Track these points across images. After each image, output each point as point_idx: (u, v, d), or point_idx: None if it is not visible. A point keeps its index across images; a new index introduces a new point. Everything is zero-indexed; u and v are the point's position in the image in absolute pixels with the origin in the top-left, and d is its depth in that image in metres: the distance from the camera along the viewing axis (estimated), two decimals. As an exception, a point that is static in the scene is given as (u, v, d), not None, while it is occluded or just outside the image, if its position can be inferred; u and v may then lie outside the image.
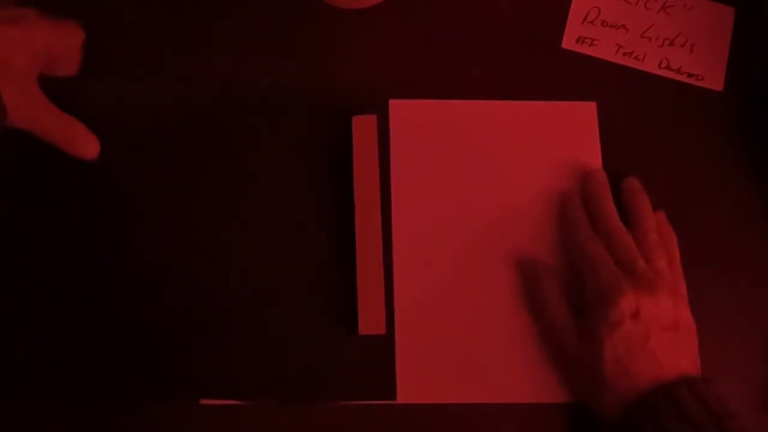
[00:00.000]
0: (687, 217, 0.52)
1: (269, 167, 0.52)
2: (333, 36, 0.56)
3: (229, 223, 0.51)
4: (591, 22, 0.57)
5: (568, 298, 0.49)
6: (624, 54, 0.56)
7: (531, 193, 0.53)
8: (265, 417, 0.48)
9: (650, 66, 0.56)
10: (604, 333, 0.45)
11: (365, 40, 0.56)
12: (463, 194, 0.53)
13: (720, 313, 0.51)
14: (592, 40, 0.57)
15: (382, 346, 0.49)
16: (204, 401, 0.48)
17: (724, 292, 0.51)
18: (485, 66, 0.56)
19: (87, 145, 0.50)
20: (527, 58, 0.56)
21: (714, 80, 0.56)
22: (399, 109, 0.54)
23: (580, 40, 0.57)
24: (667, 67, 0.56)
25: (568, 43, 0.56)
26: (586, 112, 0.55)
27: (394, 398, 0.48)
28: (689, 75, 0.56)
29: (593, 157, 0.54)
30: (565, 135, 0.54)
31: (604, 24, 0.57)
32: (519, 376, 0.49)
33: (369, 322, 0.48)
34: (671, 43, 0.57)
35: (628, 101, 0.55)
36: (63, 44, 0.50)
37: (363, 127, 0.52)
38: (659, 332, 0.45)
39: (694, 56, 0.56)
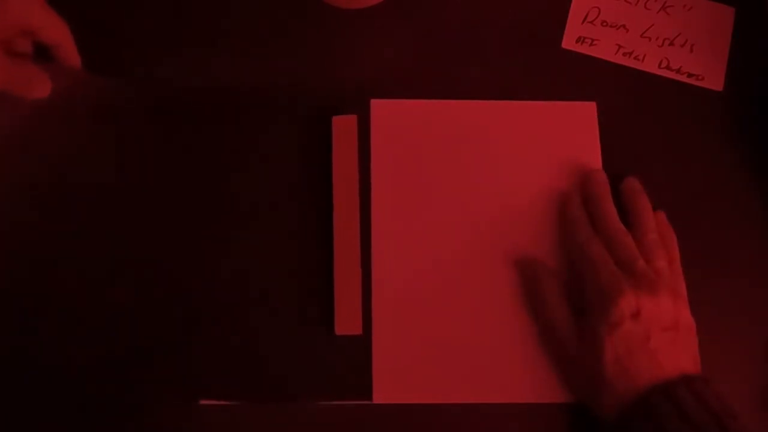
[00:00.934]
0: (687, 217, 0.52)
1: (250, 168, 0.52)
2: (333, 36, 0.56)
3: (209, 224, 0.51)
4: (591, 22, 0.57)
5: (567, 298, 0.49)
6: (624, 54, 0.56)
7: (531, 193, 0.53)
8: (265, 417, 0.48)
9: (650, 66, 0.56)
10: (604, 333, 0.45)
11: (365, 40, 0.56)
12: (454, 195, 0.52)
13: (720, 313, 0.51)
14: (592, 40, 0.57)
15: (358, 346, 0.49)
16: (204, 401, 0.48)
17: (724, 292, 0.51)
18: (485, 66, 0.56)
19: (39, 86, 0.50)
20: (527, 58, 0.56)
21: (714, 80, 0.56)
22: (381, 109, 0.54)
23: (580, 40, 0.57)
24: (667, 67, 0.56)
25: (568, 43, 0.56)
26: (586, 112, 0.55)
27: (370, 398, 0.48)
28: (689, 75, 0.56)
29: (593, 157, 0.54)
30: (565, 135, 0.54)
31: (604, 24, 0.57)
32: (500, 375, 0.49)
33: (345, 322, 0.48)
34: (671, 43, 0.57)
35: (628, 101, 0.55)
36: (46, 26, 0.49)
37: (343, 126, 0.52)
38: (659, 332, 0.45)
39: (694, 56, 0.56)
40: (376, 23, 0.56)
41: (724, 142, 0.55)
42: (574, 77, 0.56)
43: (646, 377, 0.44)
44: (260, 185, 0.52)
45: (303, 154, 0.53)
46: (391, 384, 0.49)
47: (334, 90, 0.54)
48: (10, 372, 0.48)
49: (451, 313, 0.50)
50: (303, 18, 0.56)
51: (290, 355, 0.49)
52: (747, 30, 0.57)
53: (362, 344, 0.49)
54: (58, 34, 0.50)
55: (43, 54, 0.51)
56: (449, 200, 0.52)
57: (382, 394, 0.48)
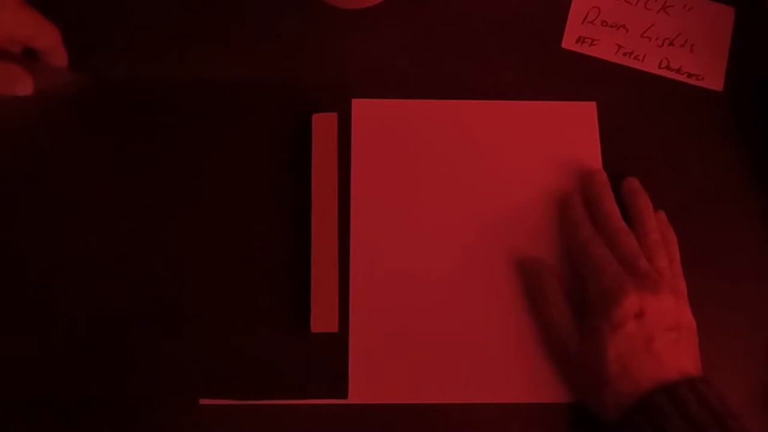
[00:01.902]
0: (687, 217, 0.52)
1: (229, 165, 0.52)
2: (332, 36, 0.56)
3: (187, 223, 0.51)
4: (591, 22, 0.57)
5: (568, 297, 0.49)
6: (624, 54, 0.56)
7: (530, 193, 0.53)
8: (265, 417, 0.48)
9: (650, 66, 0.56)
10: (607, 333, 0.45)
11: (365, 40, 0.56)
12: (440, 195, 0.52)
13: (720, 313, 0.51)
14: (592, 40, 0.57)
15: (334, 344, 0.49)
16: (203, 401, 0.48)
17: (724, 292, 0.51)
18: (485, 66, 0.55)
19: (22, 84, 0.49)
20: (527, 58, 0.56)
21: (714, 80, 0.56)
22: (362, 108, 0.54)
23: (580, 40, 0.57)
24: (667, 67, 0.56)
25: (568, 43, 0.56)
26: (586, 112, 0.55)
27: (346, 397, 0.48)
28: (689, 75, 0.56)
29: (593, 157, 0.54)
30: (565, 135, 0.54)
31: (604, 24, 0.57)
32: (479, 375, 0.49)
33: (321, 319, 0.48)
34: (671, 43, 0.57)
35: (628, 101, 0.55)
36: (37, 34, 0.49)
37: (323, 124, 0.52)
38: (662, 332, 0.45)
39: (694, 56, 0.56)
40: (376, 23, 0.56)
41: (724, 142, 0.55)
42: (574, 77, 0.56)
43: (649, 378, 0.44)
44: (238, 182, 0.52)
45: (286, 152, 0.53)
46: (367, 383, 0.48)
47: (334, 90, 0.54)
48: (10, 372, 0.48)
49: (430, 312, 0.50)
50: (303, 18, 0.56)
51: (264, 353, 0.49)
52: (747, 30, 0.57)
53: (339, 342, 0.49)
54: (49, 40, 0.50)
55: (28, 52, 0.51)
56: (433, 200, 0.52)
57: (357, 394, 0.48)
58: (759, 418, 0.49)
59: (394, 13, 0.56)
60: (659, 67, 0.56)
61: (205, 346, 0.49)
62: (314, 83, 0.54)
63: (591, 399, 0.47)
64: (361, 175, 0.53)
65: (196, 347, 0.49)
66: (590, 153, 0.54)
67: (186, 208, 0.52)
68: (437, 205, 0.52)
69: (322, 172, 0.51)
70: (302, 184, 0.51)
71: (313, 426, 0.48)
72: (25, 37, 0.49)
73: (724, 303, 0.51)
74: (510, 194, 0.53)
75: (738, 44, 0.57)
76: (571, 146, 0.54)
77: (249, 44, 0.55)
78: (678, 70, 0.56)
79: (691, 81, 0.56)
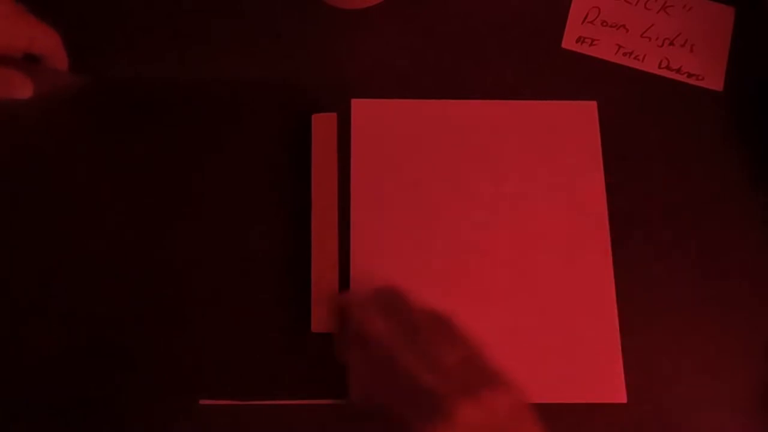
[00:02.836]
0: (687, 217, 0.52)
1: (228, 164, 0.52)
2: (332, 36, 0.56)
3: (187, 223, 0.51)
4: (591, 22, 0.57)
5: None
6: (624, 54, 0.56)
7: (530, 193, 0.53)
8: (265, 417, 0.48)
9: (650, 66, 0.56)
10: None
11: (365, 40, 0.56)
12: (441, 194, 0.52)
13: (720, 313, 0.51)
14: (592, 40, 0.57)
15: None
16: (203, 401, 0.48)
17: (724, 292, 0.51)
18: (485, 66, 0.56)
19: (22, 87, 0.49)
20: (527, 58, 0.56)
21: (714, 80, 0.56)
22: (362, 108, 0.54)
23: (580, 40, 0.57)
24: (667, 67, 0.56)
25: (568, 43, 0.56)
26: (587, 112, 0.55)
27: (347, 397, 0.48)
28: (689, 75, 0.56)
29: (593, 157, 0.54)
30: (565, 135, 0.54)
31: (604, 24, 0.57)
32: None
33: (321, 319, 0.48)
34: (671, 43, 0.57)
35: (628, 101, 0.55)
36: (36, 40, 0.49)
37: (323, 124, 0.52)
38: None
39: (694, 56, 0.56)
40: (376, 23, 0.56)
41: (724, 142, 0.55)
42: (574, 77, 0.56)
43: None
44: (238, 182, 0.52)
45: (286, 152, 0.53)
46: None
47: (334, 90, 0.54)
48: (10, 372, 0.48)
49: None
50: (303, 18, 0.56)
51: (265, 354, 0.49)
52: (747, 30, 0.57)
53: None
54: (48, 45, 0.50)
55: (29, 55, 0.51)
56: (433, 199, 0.52)
57: (358, 393, 0.48)
58: (759, 418, 0.49)
59: (394, 13, 0.56)
60: (659, 67, 0.56)
61: (205, 347, 0.49)
62: (314, 83, 0.54)
63: None
64: (361, 175, 0.53)
65: (196, 347, 0.49)
66: (590, 153, 0.54)
67: (186, 207, 0.52)
68: (437, 205, 0.52)
69: (322, 172, 0.51)
70: (302, 184, 0.51)
71: (313, 426, 0.48)
72: (24, 45, 0.49)
73: (724, 303, 0.51)
74: (510, 194, 0.53)
75: (738, 44, 0.57)
76: (570, 146, 0.54)
77: (249, 44, 0.55)
78: (678, 70, 0.56)
79: (691, 81, 0.56)
